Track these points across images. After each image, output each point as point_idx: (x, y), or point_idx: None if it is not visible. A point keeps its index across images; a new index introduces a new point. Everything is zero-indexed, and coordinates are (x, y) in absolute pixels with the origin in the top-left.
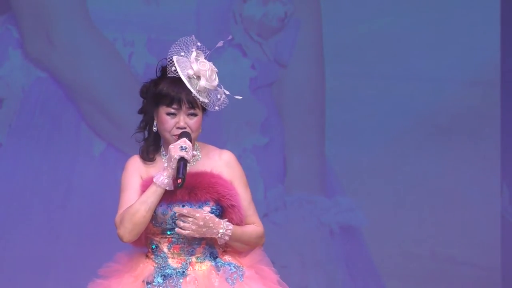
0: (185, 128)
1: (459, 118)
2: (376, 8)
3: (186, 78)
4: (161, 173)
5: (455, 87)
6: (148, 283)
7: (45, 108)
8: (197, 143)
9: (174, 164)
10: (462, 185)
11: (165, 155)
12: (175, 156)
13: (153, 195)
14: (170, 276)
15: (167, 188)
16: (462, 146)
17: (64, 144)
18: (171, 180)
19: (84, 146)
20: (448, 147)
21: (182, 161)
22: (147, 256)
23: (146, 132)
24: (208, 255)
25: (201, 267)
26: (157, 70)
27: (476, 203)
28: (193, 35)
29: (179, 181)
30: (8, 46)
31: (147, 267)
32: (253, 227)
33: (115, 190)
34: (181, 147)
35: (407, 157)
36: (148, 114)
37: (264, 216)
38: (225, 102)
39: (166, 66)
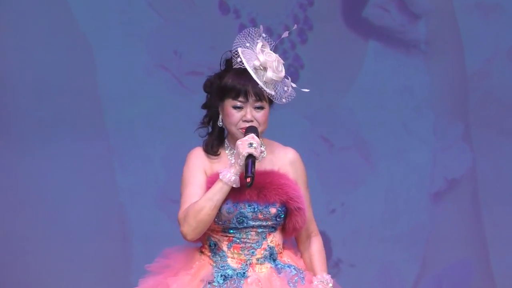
0: (252, 121)
1: None
2: None
3: (252, 69)
4: (228, 170)
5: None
6: (208, 283)
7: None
8: (261, 139)
9: (242, 162)
10: None
11: (230, 150)
12: (243, 153)
13: (219, 192)
14: (231, 277)
15: (234, 186)
16: None
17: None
18: (238, 178)
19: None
20: None
21: (251, 159)
22: (202, 252)
23: (209, 127)
24: (268, 256)
25: (261, 269)
26: (221, 64)
27: None
28: (261, 25)
29: (248, 180)
30: None
31: (204, 266)
32: (323, 250)
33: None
34: (250, 143)
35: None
36: (212, 108)
37: None
38: (292, 95)
39: (231, 58)
